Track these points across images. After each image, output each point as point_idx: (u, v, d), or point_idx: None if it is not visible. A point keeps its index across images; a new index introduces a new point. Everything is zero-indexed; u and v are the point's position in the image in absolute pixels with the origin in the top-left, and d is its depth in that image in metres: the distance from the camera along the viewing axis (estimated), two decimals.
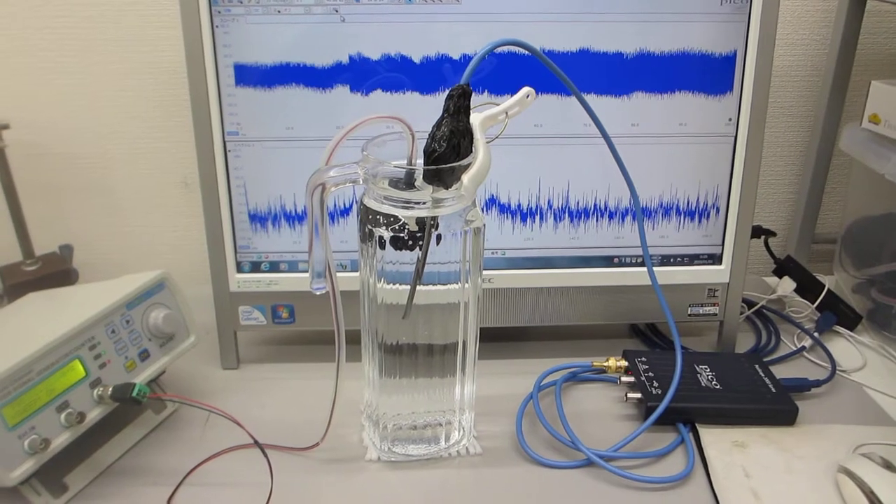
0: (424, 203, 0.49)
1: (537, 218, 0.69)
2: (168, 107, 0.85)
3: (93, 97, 0.84)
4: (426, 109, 0.64)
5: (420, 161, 0.50)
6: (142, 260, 0.92)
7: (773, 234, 0.83)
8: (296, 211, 0.67)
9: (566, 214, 0.69)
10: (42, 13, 0.80)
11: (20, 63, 0.82)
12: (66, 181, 0.87)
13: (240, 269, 0.69)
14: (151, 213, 0.90)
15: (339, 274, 0.63)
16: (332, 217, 0.68)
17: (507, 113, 0.51)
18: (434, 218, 0.50)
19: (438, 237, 0.51)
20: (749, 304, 0.82)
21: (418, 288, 0.52)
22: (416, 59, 0.63)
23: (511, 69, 0.64)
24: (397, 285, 0.52)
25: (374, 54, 0.63)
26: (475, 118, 0.50)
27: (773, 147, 0.93)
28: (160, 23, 0.81)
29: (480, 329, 0.58)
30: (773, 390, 0.65)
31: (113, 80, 0.84)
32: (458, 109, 0.48)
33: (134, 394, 0.53)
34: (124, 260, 0.92)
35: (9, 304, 0.74)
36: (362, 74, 0.64)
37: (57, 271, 0.79)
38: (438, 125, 0.48)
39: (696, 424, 0.63)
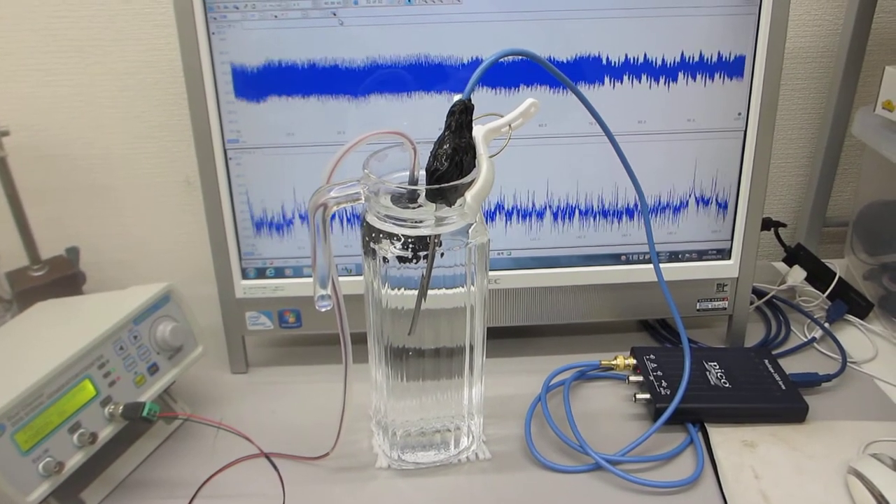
0: (427, 222, 0.49)
1: (543, 218, 0.68)
2: (168, 105, 0.84)
3: (92, 97, 0.83)
4: (428, 112, 0.63)
5: (422, 173, 0.49)
6: (147, 259, 0.92)
7: (783, 225, 0.81)
8: (299, 216, 0.67)
9: (572, 214, 0.68)
10: (38, 14, 0.79)
11: (18, 65, 0.81)
12: (69, 183, 0.87)
13: (245, 275, 0.68)
14: (155, 212, 0.90)
15: (344, 278, 0.63)
16: (335, 219, 0.67)
17: (510, 125, 0.50)
18: (437, 235, 0.49)
19: (443, 253, 0.50)
20: (759, 293, 0.81)
21: None
22: (417, 61, 0.62)
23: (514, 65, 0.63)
24: (402, 290, 0.52)
25: (374, 57, 0.62)
26: (478, 132, 0.49)
27: (784, 130, 0.91)
28: (155, 21, 0.80)
29: (487, 327, 0.58)
30: (783, 387, 0.64)
31: (112, 79, 0.83)
32: (459, 125, 0.47)
33: (144, 413, 0.54)
34: (130, 259, 0.92)
35: (18, 310, 0.75)
36: (362, 78, 0.62)
37: (64, 276, 0.79)
38: (440, 143, 0.47)
39: (705, 423, 0.63)
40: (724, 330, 0.76)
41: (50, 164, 0.86)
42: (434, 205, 0.48)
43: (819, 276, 0.81)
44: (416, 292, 0.51)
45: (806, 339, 0.75)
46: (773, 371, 0.66)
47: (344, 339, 0.54)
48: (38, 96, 0.83)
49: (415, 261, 0.50)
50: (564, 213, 0.68)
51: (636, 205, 0.68)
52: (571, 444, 0.61)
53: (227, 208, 0.66)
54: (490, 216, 0.68)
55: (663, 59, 0.63)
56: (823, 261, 0.83)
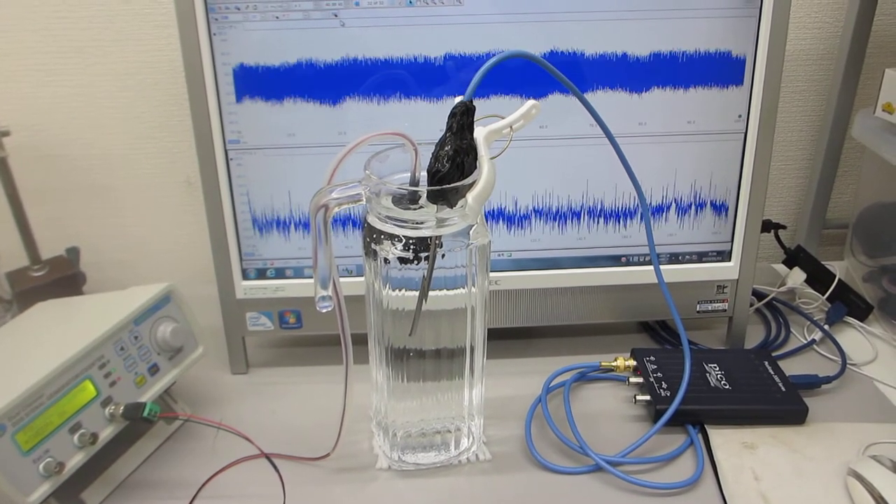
0: (428, 223, 0.49)
1: (544, 219, 0.68)
2: (168, 105, 0.84)
3: (93, 98, 0.83)
4: (430, 113, 0.63)
5: (423, 174, 0.49)
6: (147, 259, 0.92)
7: (782, 227, 0.82)
8: (300, 217, 0.67)
9: (573, 215, 0.68)
10: (38, 14, 0.79)
11: (18, 65, 0.81)
12: (69, 183, 0.87)
13: (245, 276, 0.68)
14: (156, 212, 0.90)
15: (345, 279, 0.63)
16: (336, 223, 0.67)
17: (511, 127, 0.50)
18: (439, 237, 0.49)
19: (444, 254, 0.50)
20: (759, 295, 0.81)
21: None
22: (419, 63, 0.62)
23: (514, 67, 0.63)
24: (403, 291, 0.52)
25: (375, 59, 0.62)
26: (479, 133, 0.49)
27: (784, 132, 0.92)
28: (156, 22, 0.80)
29: (488, 328, 0.58)
30: (783, 389, 0.65)
31: (112, 79, 0.83)
32: (461, 127, 0.47)
33: (145, 414, 0.54)
34: (130, 259, 0.92)
35: (18, 310, 0.75)
36: (363, 79, 0.62)
37: (64, 276, 0.79)
38: (441, 144, 0.47)
39: (706, 425, 0.63)
40: (724, 332, 0.76)
41: (50, 164, 0.86)
42: (435, 206, 0.48)
43: (819, 278, 0.81)
44: (416, 293, 0.51)
45: (806, 341, 0.75)
46: (772, 373, 0.67)
47: (344, 340, 0.54)
48: (38, 96, 0.83)
49: (416, 262, 0.50)
50: (565, 214, 0.68)
51: (637, 206, 0.68)
52: (572, 445, 0.61)
53: (228, 209, 0.66)
54: (491, 217, 0.68)
55: (664, 61, 0.63)
56: (823, 263, 0.83)
